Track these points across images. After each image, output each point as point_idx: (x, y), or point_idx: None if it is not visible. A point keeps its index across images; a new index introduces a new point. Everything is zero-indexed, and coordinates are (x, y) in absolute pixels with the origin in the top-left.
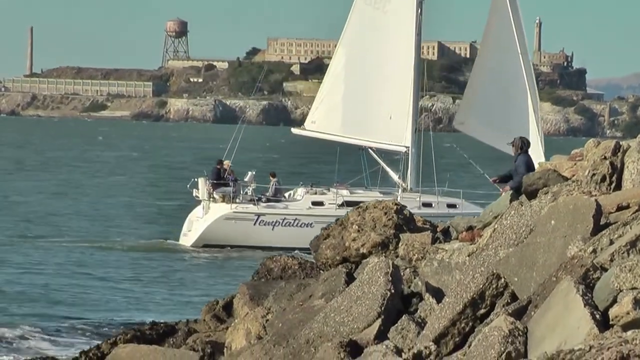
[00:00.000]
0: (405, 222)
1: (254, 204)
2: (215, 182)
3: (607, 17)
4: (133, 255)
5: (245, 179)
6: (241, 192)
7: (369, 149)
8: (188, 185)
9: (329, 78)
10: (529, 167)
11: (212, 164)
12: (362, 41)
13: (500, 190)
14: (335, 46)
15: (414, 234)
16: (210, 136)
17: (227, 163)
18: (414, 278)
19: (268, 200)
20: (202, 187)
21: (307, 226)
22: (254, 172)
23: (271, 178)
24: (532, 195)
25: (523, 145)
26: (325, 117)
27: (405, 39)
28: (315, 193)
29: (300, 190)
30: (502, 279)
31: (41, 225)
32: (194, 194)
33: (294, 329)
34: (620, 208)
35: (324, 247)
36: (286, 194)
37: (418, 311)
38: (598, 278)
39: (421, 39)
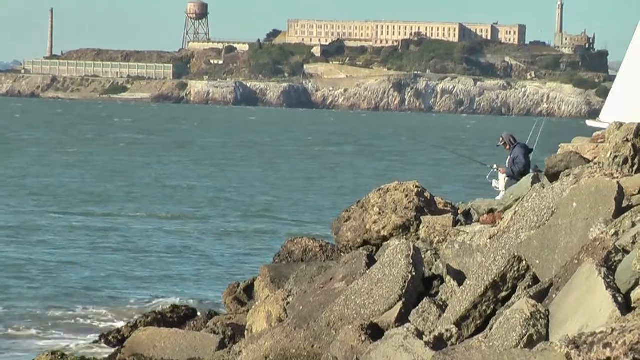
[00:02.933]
0: (426, 205)
1: None
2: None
3: None
4: None
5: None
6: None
7: None
8: (487, 176)
9: (627, 63)
10: (527, 154)
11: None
12: None
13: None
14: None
15: (435, 216)
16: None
17: None
18: (435, 261)
19: None
20: (502, 179)
21: None
22: None
23: None
24: (553, 177)
25: (512, 139)
26: (626, 105)
27: None
28: None
29: None
30: (524, 262)
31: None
32: (493, 185)
33: (315, 311)
34: None
35: (345, 229)
36: None
37: (439, 294)
38: (620, 261)
39: None
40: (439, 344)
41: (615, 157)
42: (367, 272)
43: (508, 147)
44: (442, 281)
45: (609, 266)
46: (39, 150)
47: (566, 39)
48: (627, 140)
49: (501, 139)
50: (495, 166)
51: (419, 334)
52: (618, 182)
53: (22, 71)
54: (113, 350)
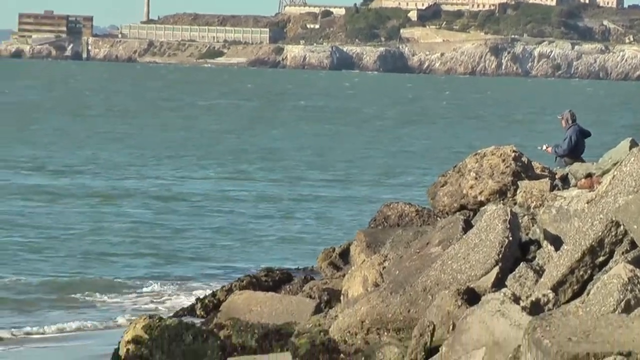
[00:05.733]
0: (523, 169)
1: None
2: None
3: None
4: None
5: None
6: None
7: None
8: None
9: None
10: (571, 140)
11: None
12: None
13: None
14: None
15: (532, 181)
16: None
17: None
18: (532, 225)
19: None
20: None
21: None
22: None
23: None
24: None
25: (570, 119)
26: None
27: None
28: None
29: None
30: (621, 227)
31: None
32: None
33: (411, 276)
34: None
35: (442, 194)
36: None
37: (536, 259)
38: None
39: None
40: (535, 309)
41: None
42: (464, 237)
43: (564, 124)
44: (539, 246)
45: None
46: None
47: None
48: None
49: (561, 115)
50: (544, 147)
51: (516, 299)
52: None
53: (119, 36)
54: (208, 315)
